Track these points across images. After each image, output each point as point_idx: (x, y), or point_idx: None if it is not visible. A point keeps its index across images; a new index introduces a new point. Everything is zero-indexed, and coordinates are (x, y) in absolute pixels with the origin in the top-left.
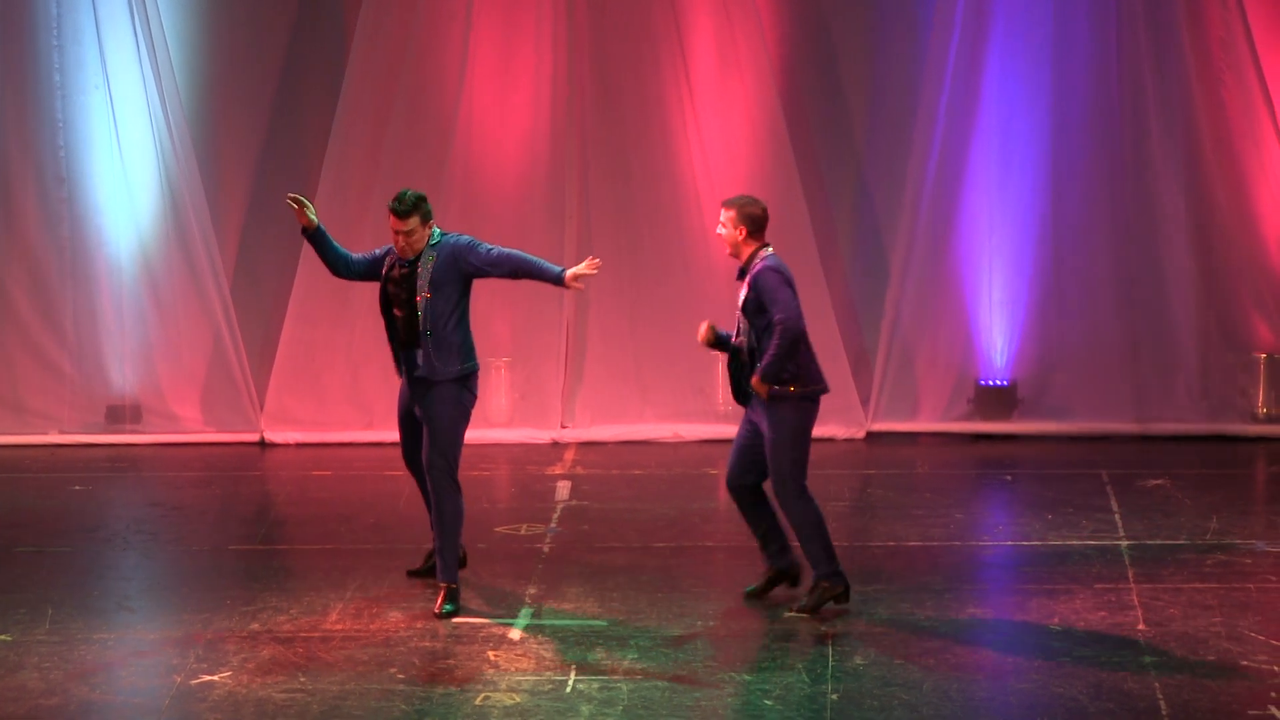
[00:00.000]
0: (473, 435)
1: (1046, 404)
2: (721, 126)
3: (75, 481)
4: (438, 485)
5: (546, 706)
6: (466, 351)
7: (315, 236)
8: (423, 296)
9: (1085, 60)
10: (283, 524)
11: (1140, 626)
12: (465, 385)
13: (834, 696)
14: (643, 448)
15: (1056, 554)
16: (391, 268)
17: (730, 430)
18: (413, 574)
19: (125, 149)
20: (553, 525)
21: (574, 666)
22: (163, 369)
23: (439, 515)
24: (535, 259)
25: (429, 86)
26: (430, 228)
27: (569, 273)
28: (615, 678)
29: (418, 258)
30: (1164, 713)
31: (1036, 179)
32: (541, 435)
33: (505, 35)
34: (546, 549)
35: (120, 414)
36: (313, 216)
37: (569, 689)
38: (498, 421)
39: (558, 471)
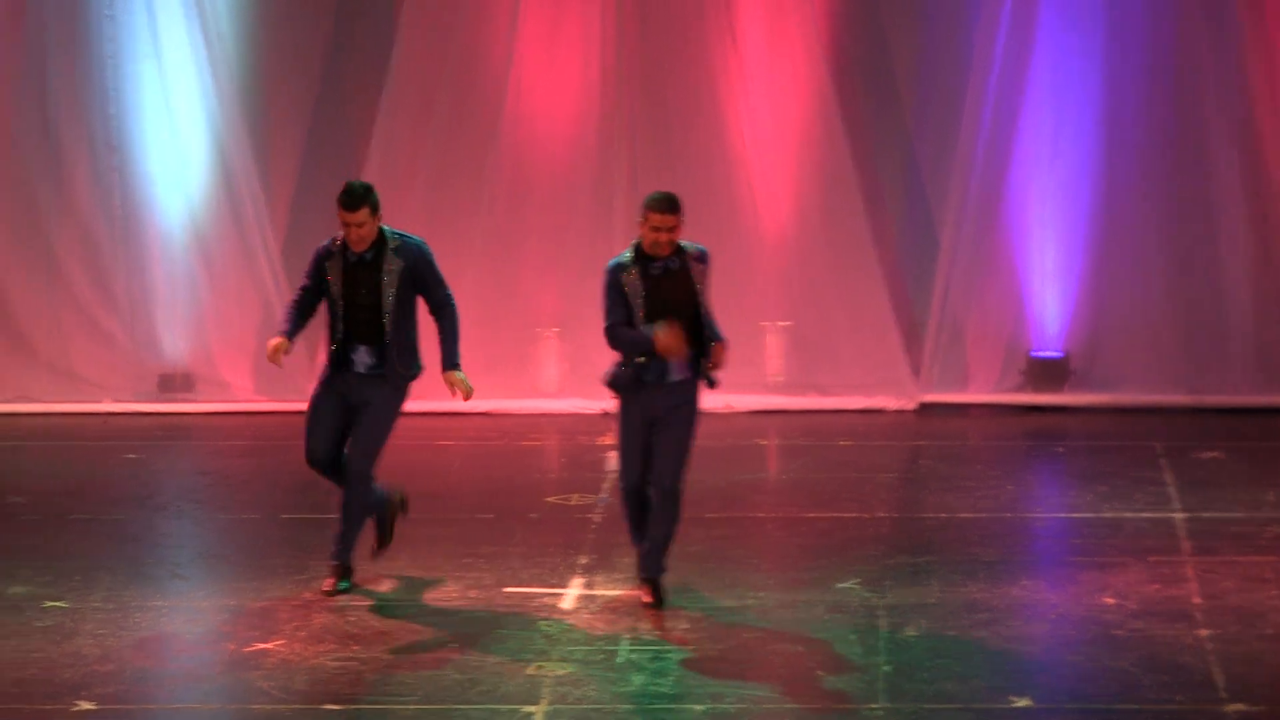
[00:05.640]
0: (522, 405)
1: (1099, 376)
2: (770, 99)
3: (128, 450)
4: (362, 487)
5: (598, 676)
6: (416, 353)
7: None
8: (389, 297)
9: (1139, 29)
10: (334, 493)
11: (1195, 600)
12: (407, 390)
13: (886, 668)
14: None
15: (1109, 526)
16: (344, 260)
17: (782, 401)
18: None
19: (176, 118)
20: (603, 495)
21: (625, 636)
22: (214, 337)
23: (355, 509)
24: (452, 333)
25: (477, 59)
26: (379, 219)
27: (451, 375)
28: (667, 648)
29: (376, 252)
30: (1219, 686)
31: (1089, 148)
32: (592, 405)
33: (554, 8)
34: (597, 519)
35: (172, 382)
36: (286, 349)
37: (620, 659)
38: (547, 392)
39: (608, 442)
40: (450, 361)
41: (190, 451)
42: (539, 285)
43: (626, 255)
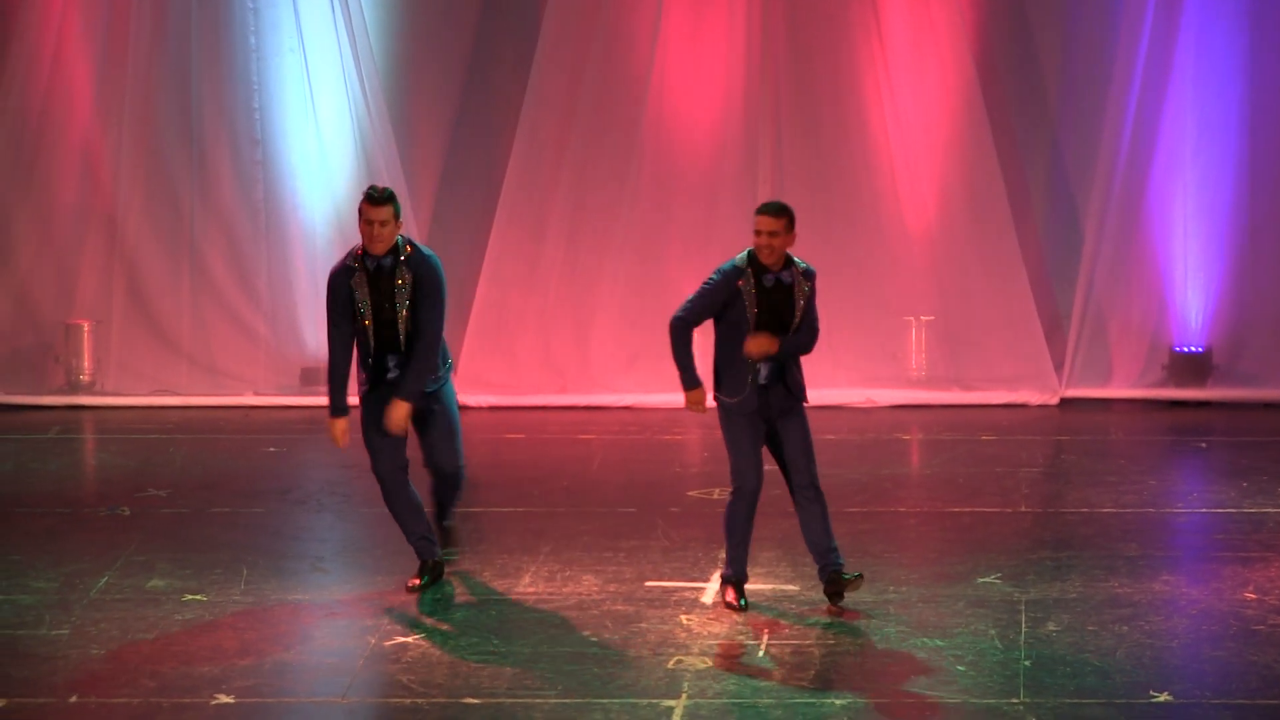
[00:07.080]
0: (666, 400)
1: (1241, 371)
2: (916, 90)
3: (269, 443)
4: (459, 486)
5: (738, 671)
6: (445, 354)
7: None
8: (404, 307)
9: None
10: (476, 487)
11: None
12: (450, 381)
13: (1027, 663)
14: (834, 412)
15: (1251, 521)
16: (366, 273)
17: (925, 396)
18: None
19: (320, 111)
20: None
21: (766, 631)
22: None
23: (452, 499)
24: (418, 362)
25: (622, 52)
26: (400, 227)
27: (398, 403)
28: (807, 643)
29: (392, 260)
30: None
31: (1232, 144)
32: None
33: (698, 1)
34: None
35: (314, 376)
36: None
37: (761, 653)
38: None
39: None
40: (401, 390)
41: (331, 445)
42: (681, 279)
43: (742, 260)
